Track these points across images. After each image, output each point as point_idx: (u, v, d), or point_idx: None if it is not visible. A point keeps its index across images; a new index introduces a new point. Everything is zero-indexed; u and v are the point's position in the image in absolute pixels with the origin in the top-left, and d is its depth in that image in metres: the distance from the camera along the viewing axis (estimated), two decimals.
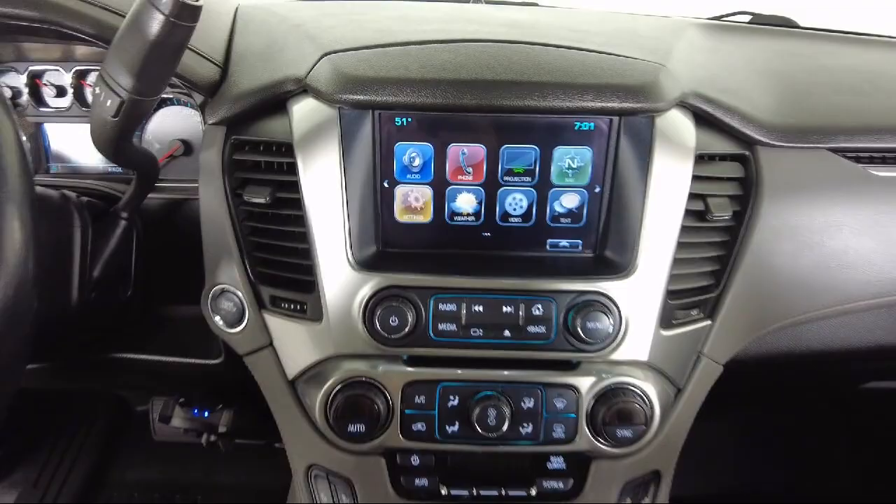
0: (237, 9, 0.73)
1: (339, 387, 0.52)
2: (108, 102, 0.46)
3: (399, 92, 0.51)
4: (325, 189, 0.52)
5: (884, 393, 0.85)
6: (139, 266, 0.65)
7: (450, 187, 0.55)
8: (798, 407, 1.10)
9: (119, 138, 0.50)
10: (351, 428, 0.51)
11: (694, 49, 0.69)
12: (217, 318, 0.57)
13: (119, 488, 1.24)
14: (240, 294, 0.56)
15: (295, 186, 0.53)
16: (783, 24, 1.01)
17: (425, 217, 0.56)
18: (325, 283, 0.53)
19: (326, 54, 0.55)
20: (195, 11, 0.44)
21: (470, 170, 0.55)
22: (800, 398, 1.06)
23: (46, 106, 0.73)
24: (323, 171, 0.52)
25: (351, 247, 0.53)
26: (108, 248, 0.61)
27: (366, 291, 0.52)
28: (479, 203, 0.56)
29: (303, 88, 0.55)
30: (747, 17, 1.03)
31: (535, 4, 1.04)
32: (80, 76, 0.72)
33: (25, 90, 0.72)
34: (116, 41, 0.45)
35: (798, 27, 1.02)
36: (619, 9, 1.07)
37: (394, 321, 0.51)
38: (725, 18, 1.05)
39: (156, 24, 0.43)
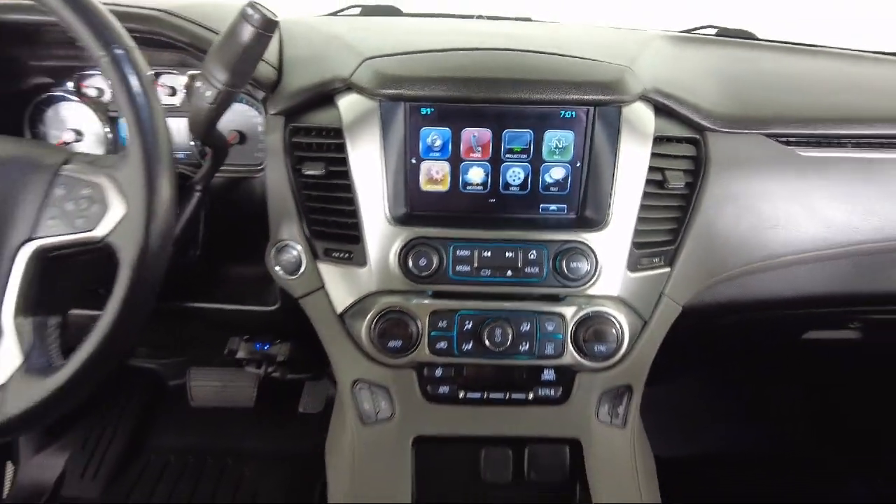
0: (279, 24, 0.89)
1: (380, 314, 0.67)
2: (208, 93, 0.61)
3: (425, 88, 0.67)
4: (368, 164, 0.67)
5: (821, 343, 1.00)
6: (206, 231, 0.80)
7: (463, 163, 0.71)
8: (757, 365, 1.25)
9: (210, 122, 0.65)
10: (390, 344, 0.66)
11: (658, 55, 0.85)
12: (278, 268, 0.72)
13: (156, 452, 1.38)
14: (298, 247, 0.71)
15: (344, 162, 0.68)
16: (744, 36, 1.18)
17: (444, 187, 0.71)
18: (368, 236, 0.68)
19: (367, 59, 0.70)
20: (274, 25, 0.59)
21: (479, 149, 0.70)
22: (757, 356, 1.21)
23: None
24: (366, 150, 0.67)
25: (388, 207, 0.68)
26: (185, 214, 0.75)
27: (400, 241, 0.67)
28: (487, 175, 0.71)
29: (347, 86, 0.70)
30: (714, 31, 1.20)
31: (529, 19, 1.20)
32: (154, 77, 0.87)
33: (109, 89, 0.87)
34: (216, 47, 0.60)
35: (757, 39, 1.19)
36: (605, 24, 1.24)
37: (422, 263, 0.66)
38: (695, 31, 1.21)
39: (248, 34, 0.58)
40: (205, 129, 0.66)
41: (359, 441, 0.67)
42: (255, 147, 0.88)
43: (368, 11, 1.19)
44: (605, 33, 0.99)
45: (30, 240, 0.52)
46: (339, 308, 0.70)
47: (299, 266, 0.71)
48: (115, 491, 1.29)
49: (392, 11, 1.18)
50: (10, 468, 1.38)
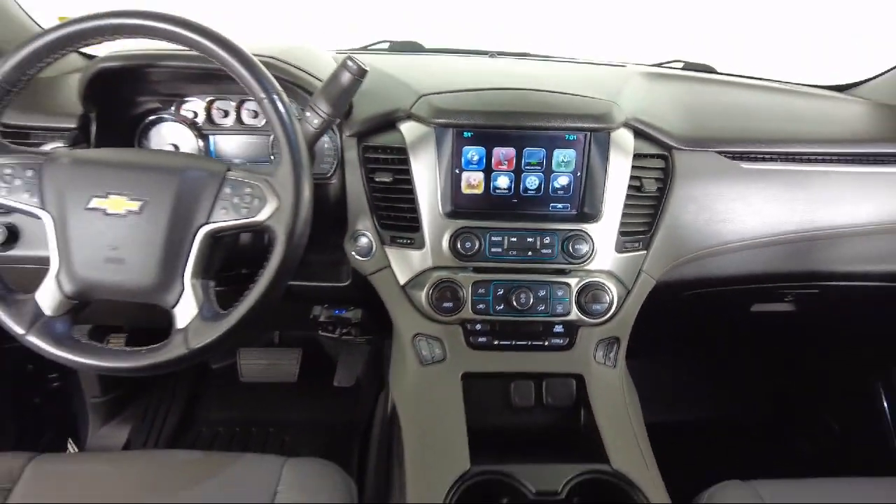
0: None
1: (436, 284, 0.90)
2: (315, 121, 0.84)
3: (468, 118, 0.91)
4: (426, 173, 0.90)
5: (765, 315, 1.26)
6: None
7: (493, 172, 0.94)
8: (717, 337, 1.51)
9: (313, 142, 0.87)
10: (444, 305, 0.89)
11: (636, 90, 1.10)
12: (353, 253, 0.95)
13: (206, 424, 1.57)
14: (370, 235, 0.93)
15: (407, 172, 0.91)
16: (705, 70, 1.44)
17: (479, 190, 0.94)
18: (426, 227, 0.91)
19: (423, 96, 0.94)
20: (366, 73, 0.82)
21: (505, 162, 0.94)
22: (716, 328, 1.46)
23: (214, 124, 1.10)
24: (425, 164, 0.91)
25: (441, 205, 0.91)
26: None
27: (451, 230, 0.90)
28: (511, 182, 0.95)
29: (407, 115, 0.94)
30: (681, 64, 1.46)
31: (527, 54, 1.45)
32: (240, 104, 1.09)
33: (203, 113, 1.09)
34: (322, 88, 0.83)
35: (715, 72, 1.45)
36: (590, 57, 1.49)
37: (467, 245, 0.89)
38: (665, 65, 1.47)
39: (347, 79, 0.81)
40: (309, 146, 0.88)
41: (419, 377, 0.89)
42: (321, 160, 1.10)
43: (395, 47, 1.42)
44: (594, 71, 1.25)
45: (206, 223, 0.74)
46: (402, 281, 0.93)
47: (370, 250, 0.94)
48: None
49: (415, 47, 1.42)
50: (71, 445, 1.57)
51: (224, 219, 0.73)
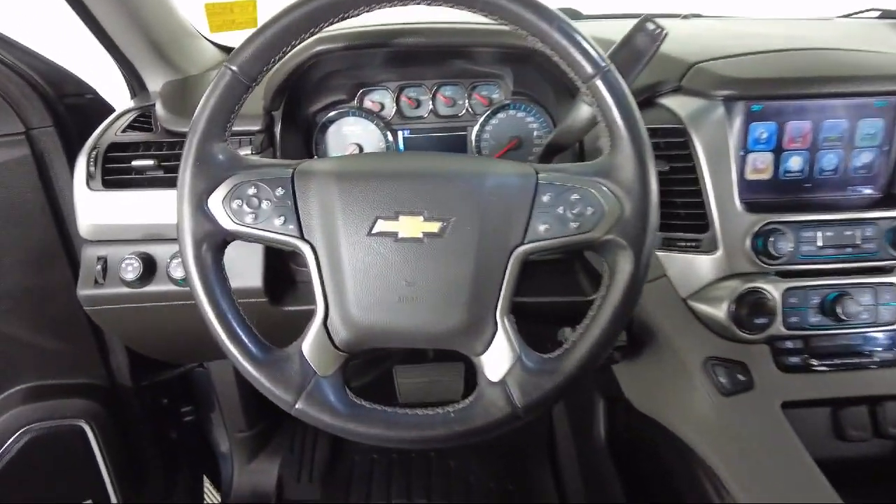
0: None
1: (742, 295, 0.73)
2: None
3: (758, 88, 0.74)
4: (717, 157, 0.74)
5: None
6: None
7: (784, 152, 0.77)
8: None
9: (585, 130, 0.71)
10: (756, 321, 0.73)
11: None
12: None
13: (359, 453, 1.43)
14: None
15: (689, 158, 0.74)
16: None
17: (766, 175, 0.78)
18: (719, 224, 0.74)
19: (695, 64, 0.77)
20: (666, 35, 0.65)
21: (800, 139, 0.77)
22: None
23: (404, 116, 0.94)
24: (715, 146, 0.74)
25: (737, 196, 0.74)
26: None
27: (755, 227, 0.73)
28: (804, 162, 0.78)
29: (675, 88, 0.77)
30: (877, 13, 1.27)
31: (699, 15, 1.27)
32: (436, 91, 0.93)
33: (392, 104, 0.93)
34: (612, 54, 0.63)
35: None
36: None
37: (779, 245, 0.72)
38: (856, 15, 1.28)
39: (645, 43, 0.64)
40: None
41: (722, 410, 0.73)
42: (528, 151, 0.94)
43: None
44: (836, 26, 1.07)
45: (522, 244, 0.57)
46: (685, 293, 0.77)
47: None
48: (333, 491, 1.34)
49: (574, 14, 1.25)
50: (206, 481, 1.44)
51: (545, 236, 0.57)
